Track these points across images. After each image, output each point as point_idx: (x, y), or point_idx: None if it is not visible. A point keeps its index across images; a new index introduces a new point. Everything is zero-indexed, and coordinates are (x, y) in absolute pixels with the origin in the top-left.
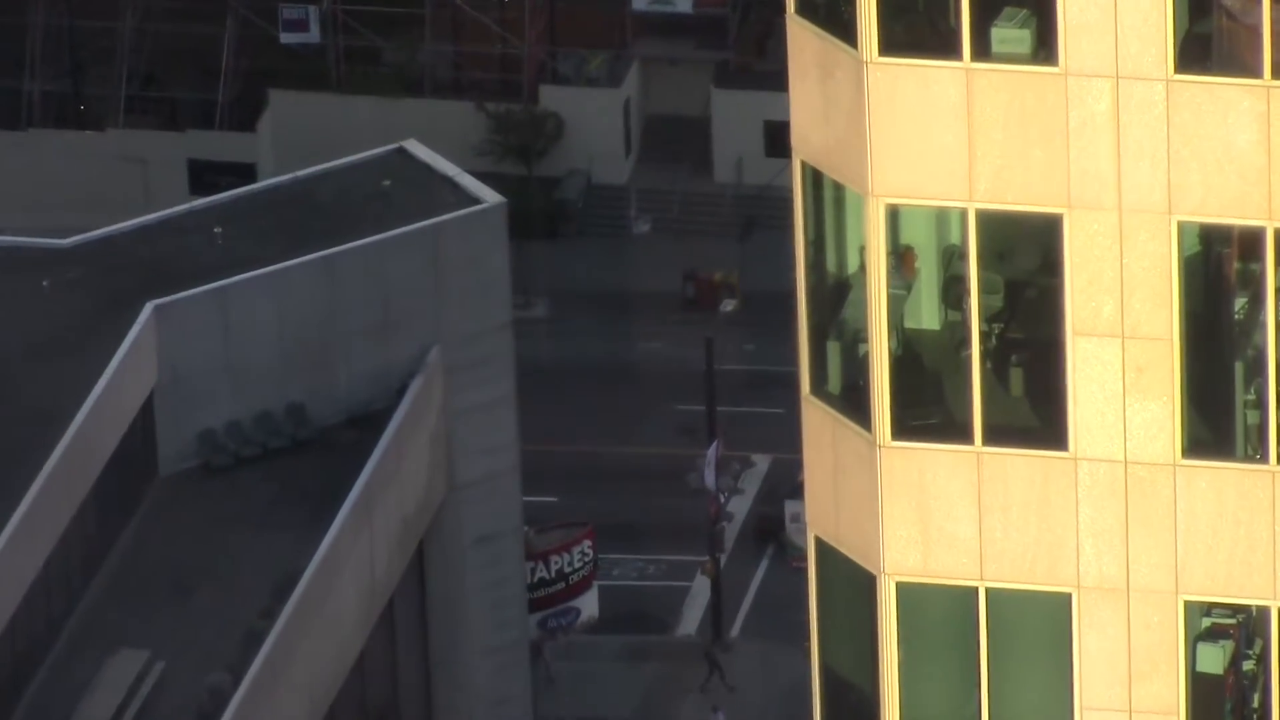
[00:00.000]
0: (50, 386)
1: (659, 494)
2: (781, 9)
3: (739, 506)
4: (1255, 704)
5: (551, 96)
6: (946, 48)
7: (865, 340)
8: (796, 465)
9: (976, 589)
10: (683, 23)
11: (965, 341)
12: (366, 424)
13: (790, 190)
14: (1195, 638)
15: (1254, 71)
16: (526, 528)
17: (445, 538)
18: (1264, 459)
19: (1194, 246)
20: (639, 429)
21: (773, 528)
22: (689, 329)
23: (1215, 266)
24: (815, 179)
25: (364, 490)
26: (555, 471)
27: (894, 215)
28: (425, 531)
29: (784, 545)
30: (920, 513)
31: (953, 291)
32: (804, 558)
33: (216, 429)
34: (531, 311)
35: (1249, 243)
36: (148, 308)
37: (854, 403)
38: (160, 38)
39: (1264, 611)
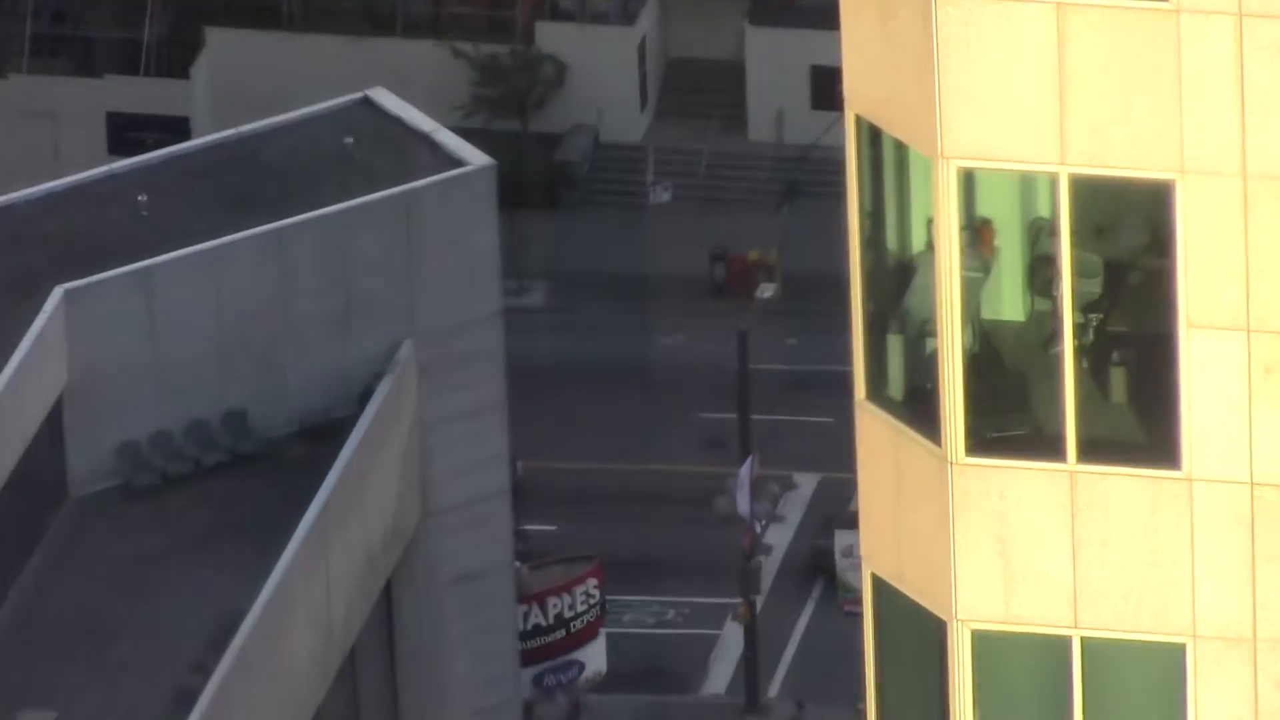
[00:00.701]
0: None
1: (680, 522)
2: None
3: (779, 537)
4: None
5: (550, 36)
6: None
7: (934, 334)
8: (849, 487)
9: (1070, 639)
10: None
11: (1056, 336)
12: (323, 436)
13: (841, 151)
14: None
15: None
16: (518, 563)
17: (419, 576)
18: None
19: None
20: (656, 442)
21: (820, 563)
22: (718, 320)
23: None
24: (872, 137)
25: (319, 518)
26: (555, 494)
27: (969, 181)
28: (395, 568)
29: (835, 585)
30: (1001, 545)
31: (1040, 275)
32: (858, 600)
33: (139, 441)
34: (526, 298)
35: None
36: (56, 293)
37: (920, 410)
38: None
39: None
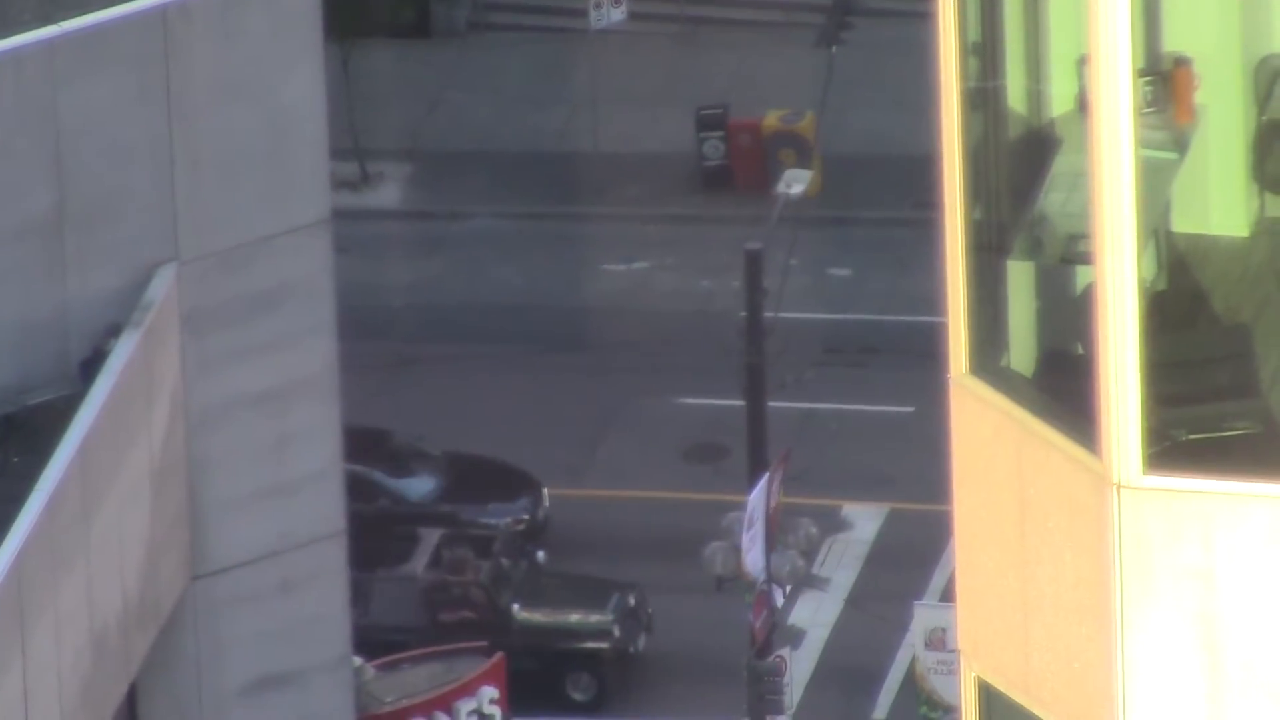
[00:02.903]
0: None
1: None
2: None
3: (816, 615)
4: None
5: None
6: None
7: (1088, 260)
8: (940, 526)
9: None
10: None
11: None
12: (17, 435)
13: None
14: None
15: None
16: (359, 660)
17: (185, 680)
18: None
19: None
20: (598, 448)
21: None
22: (710, 233)
23: None
24: None
25: (10, 578)
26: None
27: None
28: (143, 667)
29: (921, 696)
30: (1206, 629)
31: (1276, 156)
32: None
33: None
34: (375, 195)
35: None
36: None
37: (1064, 394)
38: None
39: None
